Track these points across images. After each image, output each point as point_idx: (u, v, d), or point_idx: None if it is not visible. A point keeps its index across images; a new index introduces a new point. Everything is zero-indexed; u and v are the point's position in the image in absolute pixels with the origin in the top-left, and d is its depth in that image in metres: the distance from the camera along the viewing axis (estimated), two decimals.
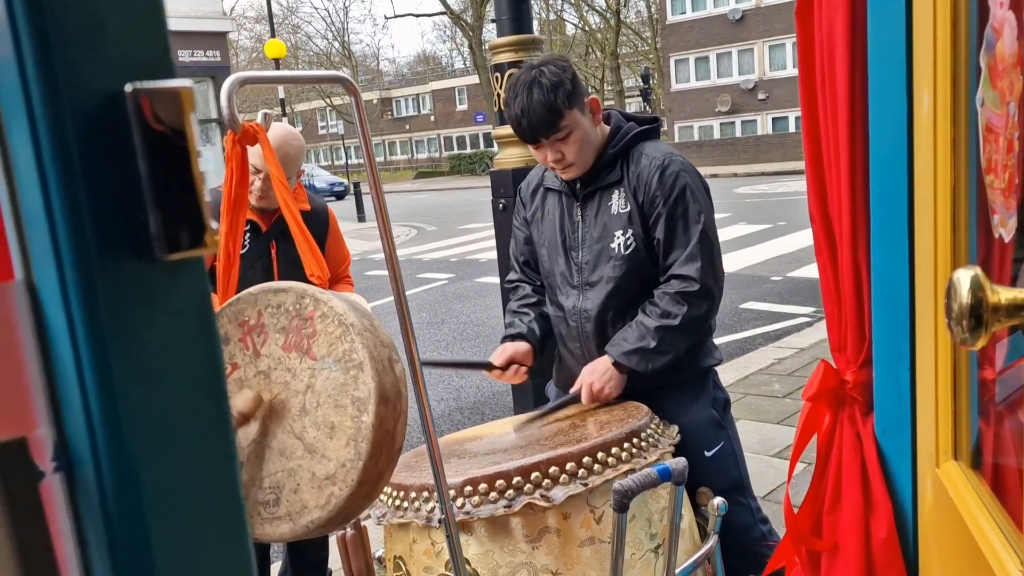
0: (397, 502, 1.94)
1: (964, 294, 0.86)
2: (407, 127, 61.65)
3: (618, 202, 2.29)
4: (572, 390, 2.35)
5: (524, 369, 2.45)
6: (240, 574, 0.51)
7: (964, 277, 0.86)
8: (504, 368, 2.42)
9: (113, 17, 0.44)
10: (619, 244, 2.28)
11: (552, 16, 46.06)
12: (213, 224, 0.46)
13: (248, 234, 2.91)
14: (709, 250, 2.25)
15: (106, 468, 0.46)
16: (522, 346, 2.44)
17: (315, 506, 1.95)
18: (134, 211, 0.45)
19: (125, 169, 0.45)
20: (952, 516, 1.17)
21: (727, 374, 5.64)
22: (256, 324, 1.94)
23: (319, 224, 3.08)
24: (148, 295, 0.46)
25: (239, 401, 1.71)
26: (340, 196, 34.96)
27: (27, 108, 0.43)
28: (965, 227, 1.15)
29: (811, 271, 9.64)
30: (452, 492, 1.82)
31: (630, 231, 2.27)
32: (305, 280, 2.46)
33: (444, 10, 40.36)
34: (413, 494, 1.91)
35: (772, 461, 4.26)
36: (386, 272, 1.70)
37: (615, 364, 2.26)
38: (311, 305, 1.94)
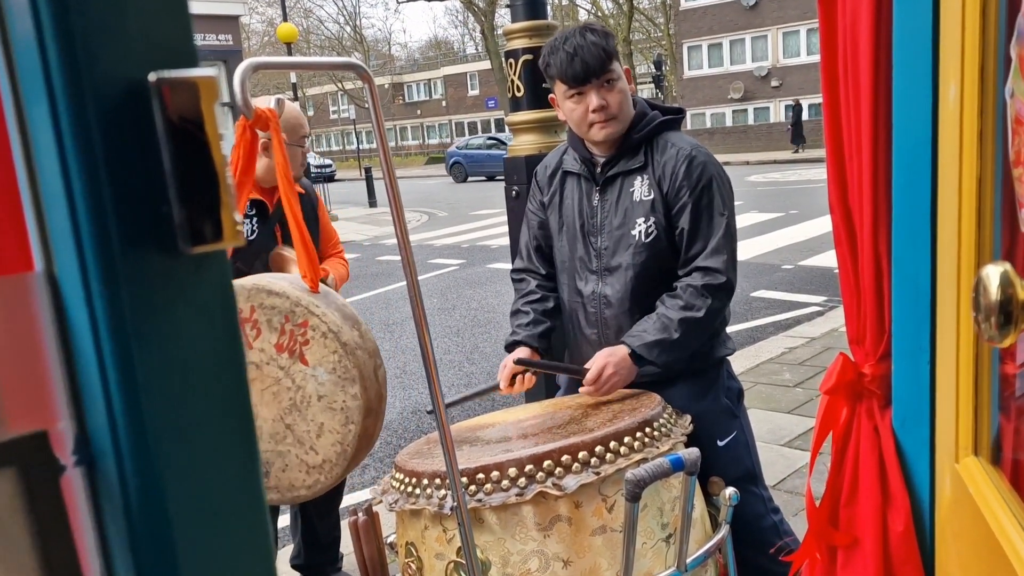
0: (409, 489, 1.94)
1: (993, 290, 0.84)
2: (418, 112, 61.57)
3: (641, 189, 2.27)
4: (587, 365, 2.29)
5: (529, 376, 2.42)
6: (260, 564, 0.51)
7: (994, 273, 0.85)
8: (511, 384, 2.39)
9: (136, 5, 0.43)
10: (640, 231, 2.26)
11: (565, 1, 45.83)
12: (237, 217, 0.45)
13: (254, 219, 2.84)
14: (732, 244, 2.24)
15: (128, 462, 0.46)
16: (522, 352, 2.41)
17: (302, 486, 2.09)
18: (158, 203, 0.44)
19: (148, 160, 0.44)
20: (971, 511, 1.16)
21: (737, 363, 5.62)
22: (248, 318, 2.04)
23: (311, 205, 3.04)
24: (171, 288, 0.46)
25: None
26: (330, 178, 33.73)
27: (49, 97, 0.42)
28: (990, 220, 1.13)
29: (822, 260, 9.60)
30: (464, 479, 1.82)
31: (652, 219, 2.25)
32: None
33: None
34: (425, 481, 1.91)
35: (782, 450, 4.25)
36: (397, 258, 1.70)
37: (632, 355, 2.23)
38: (303, 315, 2.02)
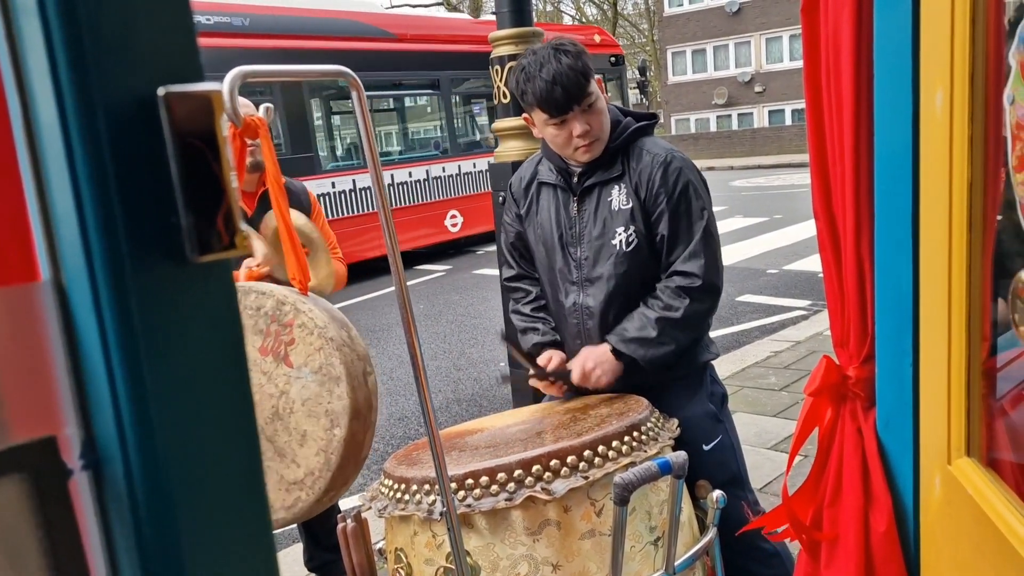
0: (398, 495, 1.95)
1: None
2: None
3: (619, 198, 2.28)
4: (568, 365, 2.33)
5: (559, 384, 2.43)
6: (263, 567, 0.52)
7: None
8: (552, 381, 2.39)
9: (145, 22, 0.44)
10: (621, 241, 2.27)
11: (549, 8, 45.95)
12: (243, 226, 0.47)
13: None
14: (712, 247, 2.25)
15: (135, 466, 0.47)
16: (561, 355, 2.42)
17: (281, 507, 1.98)
18: (166, 213, 0.45)
19: (157, 172, 0.45)
20: (970, 512, 1.17)
21: (723, 367, 5.66)
22: None
23: (300, 207, 3.02)
24: (179, 297, 0.47)
25: None
26: None
27: (60, 110, 0.44)
28: (980, 225, 1.16)
29: (807, 264, 9.67)
30: (453, 485, 1.83)
31: (632, 228, 2.26)
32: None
33: (441, 1, 40.23)
34: (414, 487, 1.91)
35: (769, 454, 4.28)
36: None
37: (614, 351, 2.26)
38: (291, 313, 1.96)
